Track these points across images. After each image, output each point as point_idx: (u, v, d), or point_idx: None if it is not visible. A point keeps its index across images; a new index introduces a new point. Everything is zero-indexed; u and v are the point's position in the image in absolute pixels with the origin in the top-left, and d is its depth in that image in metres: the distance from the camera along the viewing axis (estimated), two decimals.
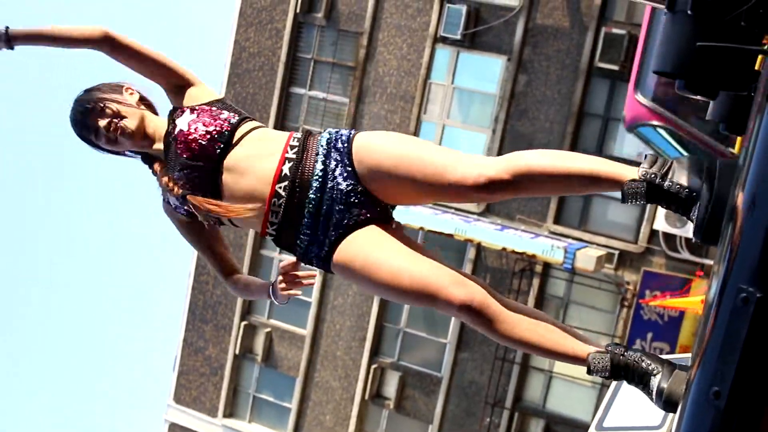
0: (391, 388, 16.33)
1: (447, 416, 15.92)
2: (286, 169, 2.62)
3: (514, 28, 14.68)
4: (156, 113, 2.87)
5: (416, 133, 15.54)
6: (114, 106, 2.74)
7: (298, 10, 16.15)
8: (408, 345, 16.18)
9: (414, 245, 2.62)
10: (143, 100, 2.87)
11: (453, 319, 15.80)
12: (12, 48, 2.70)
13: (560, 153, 2.50)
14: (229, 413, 18.16)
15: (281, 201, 2.61)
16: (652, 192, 2.33)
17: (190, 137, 2.67)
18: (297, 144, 2.66)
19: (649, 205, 13.40)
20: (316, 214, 2.60)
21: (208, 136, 2.67)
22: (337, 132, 2.67)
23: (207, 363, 18.21)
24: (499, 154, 14.78)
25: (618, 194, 2.43)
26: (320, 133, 2.71)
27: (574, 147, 14.44)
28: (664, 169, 2.34)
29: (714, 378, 1.58)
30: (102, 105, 2.74)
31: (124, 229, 67.90)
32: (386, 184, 2.59)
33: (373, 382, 16.35)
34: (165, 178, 2.71)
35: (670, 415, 4.04)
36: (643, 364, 2.36)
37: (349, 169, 2.59)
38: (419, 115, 15.53)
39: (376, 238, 2.58)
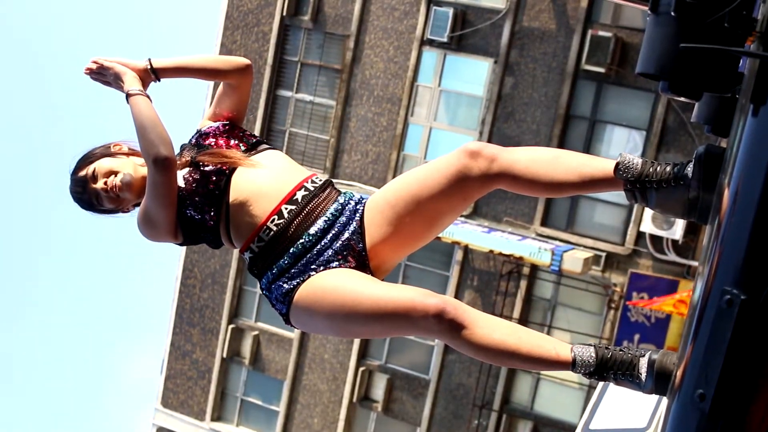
0: (379, 391, 16.31)
1: (435, 419, 15.92)
2: (299, 195, 2.56)
3: (500, 30, 14.70)
4: None
5: (403, 135, 15.56)
6: (104, 168, 2.72)
7: (284, 13, 16.13)
8: (396, 347, 16.18)
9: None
10: (134, 152, 2.82)
11: None
12: (159, 80, 2.66)
13: (551, 151, 2.55)
14: (217, 417, 18.12)
15: (280, 222, 2.53)
16: (641, 177, 2.32)
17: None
18: (318, 181, 2.63)
19: (636, 207, 13.43)
20: (303, 251, 2.50)
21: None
22: (352, 195, 2.63)
23: (194, 366, 18.15)
24: None
25: (602, 195, 2.43)
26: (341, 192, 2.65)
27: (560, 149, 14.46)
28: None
29: (699, 380, 1.58)
30: (93, 169, 2.72)
31: (110, 232, 67.71)
32: (401, 220, 2.50)
33: (361, 384, 16.33)
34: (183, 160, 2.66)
35: (657, 417, 4.04)
36: (629, 353, 2.24)
37: (359, 229, 2.53)
38: (406, 118, 15.54)
39: (345, 273, 2.47)
